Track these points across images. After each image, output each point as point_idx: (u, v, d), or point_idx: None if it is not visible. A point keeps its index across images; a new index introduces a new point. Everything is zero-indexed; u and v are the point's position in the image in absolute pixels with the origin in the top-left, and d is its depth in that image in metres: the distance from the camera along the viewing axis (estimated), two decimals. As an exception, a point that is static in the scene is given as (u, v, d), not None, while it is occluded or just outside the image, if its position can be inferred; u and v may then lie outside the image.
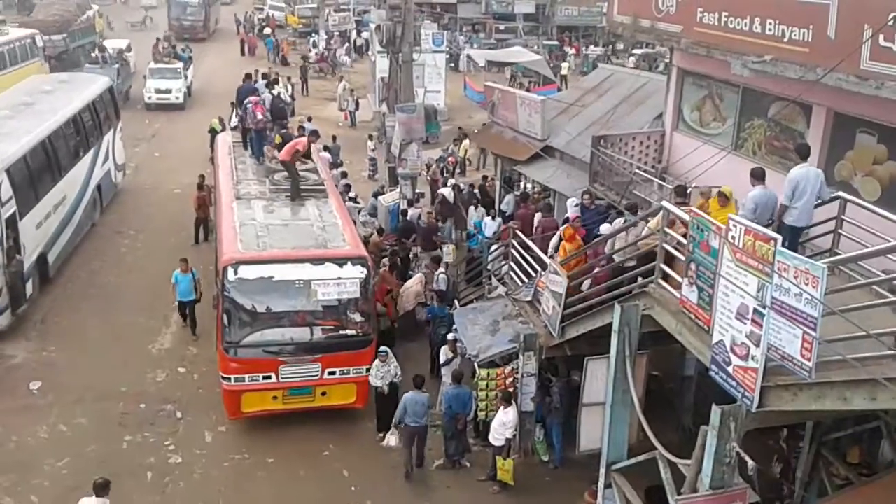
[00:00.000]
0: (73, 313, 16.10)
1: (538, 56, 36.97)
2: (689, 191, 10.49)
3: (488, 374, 11.96)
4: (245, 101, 17.26)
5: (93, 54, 34.61)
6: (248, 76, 20.86)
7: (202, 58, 42.66)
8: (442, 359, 12.85)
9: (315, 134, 16.45)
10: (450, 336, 12.86)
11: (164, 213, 21.52)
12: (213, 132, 25.13)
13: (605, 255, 10.96)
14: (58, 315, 15.97)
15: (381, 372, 12.30)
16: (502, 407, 11.26)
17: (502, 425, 11.25)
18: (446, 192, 20.11)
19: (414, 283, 15.63)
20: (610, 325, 9.50)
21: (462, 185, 21.26)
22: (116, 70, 31.55)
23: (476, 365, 12.09)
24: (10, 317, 14.94)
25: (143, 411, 12.88)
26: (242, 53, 45.64)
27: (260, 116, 16.55)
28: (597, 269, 11.02)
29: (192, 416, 12.87)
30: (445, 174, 23.01)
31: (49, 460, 11.59)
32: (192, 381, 13.89)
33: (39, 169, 16.70)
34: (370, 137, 25.58)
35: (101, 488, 9.25)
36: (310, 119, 28.08)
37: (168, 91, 32.67)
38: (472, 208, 19.17)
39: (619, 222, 11.97)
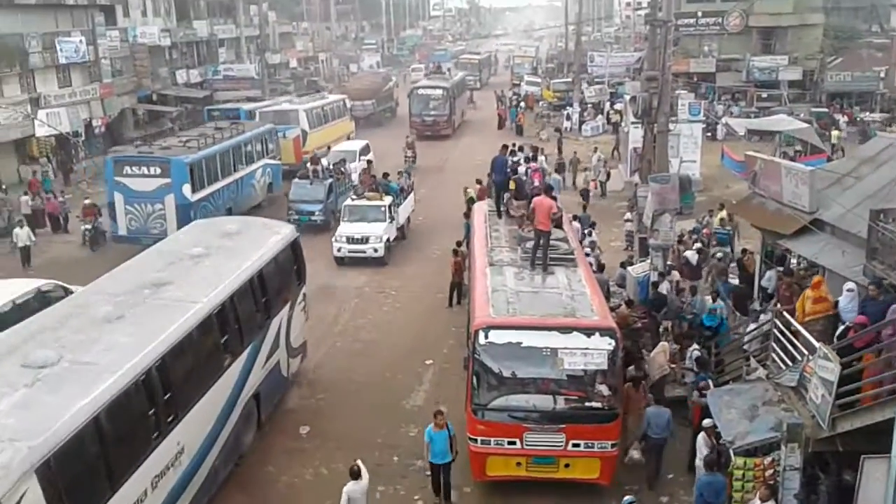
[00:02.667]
0: (339, 364, 17.50)
1: (805, 124, 34.76)
2: None
3: (745, 464, 11.13)
4: (520, 168, 18.27)
5: (307, 165, 28.80)
6: (504, 147, 21.70)
7: (451, 150, 41.40)
8: (704, 450, 12.02)
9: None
10: (706, 422, 12.13)
11: (423, 275, 22.85)
12: (471, 201, 26.70)
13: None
14: (326, 366, 17.43)
15: None
16: (760, 501, 10.40)
17: (760, 521, 10.38)
18: (690, 255, 19.39)
19: (657, 353, 15.10)
20: (891, 420, 8.49)
21: (720, 254, 20.46)
22: (328, 186, 27.50)
23: (731, 452, 11.32)
24: None
25: (395, 464, 13.55)
26: (500, 127, 48.03)
27: (536, 183, 17.30)
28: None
29: (440, 474, 13.28)
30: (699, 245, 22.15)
31: (311, 502, 12.49)
32: (440, 439, 14.37)
33: (134, 423, 9.89)
34: (630, 208, 25.29)
35: (357, 474, 11.09)
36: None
37: (363, 240, 23.73)
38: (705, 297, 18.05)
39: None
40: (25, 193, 28.58)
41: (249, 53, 60.48)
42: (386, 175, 26.79)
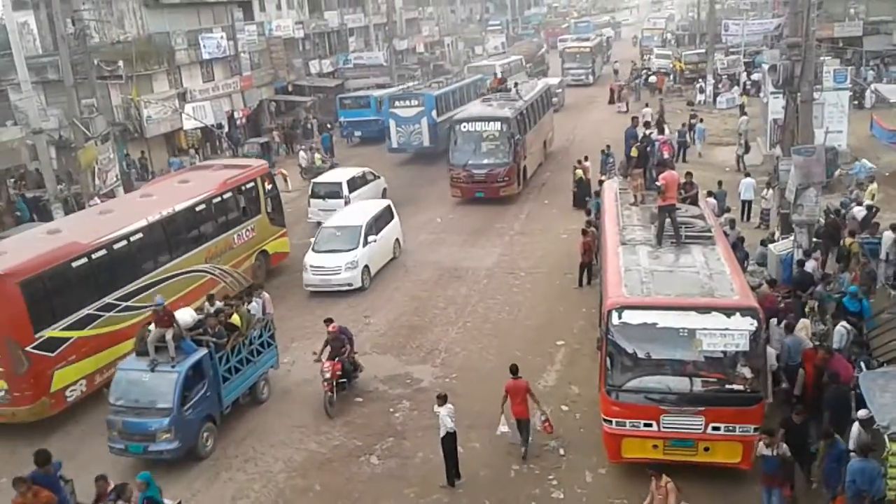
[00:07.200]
0: (471, 345, 17.74)
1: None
2: None
3: (902, 451, 10.46)
4: (650, 140, 18.15)
5: (148, 328, 14.33)
6: (634, 119, 21.75)
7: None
8: (854, 437, 11.39)
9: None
10: (861, 413, 11.42)
11: (552, 256, 22.73)
12: (580, 182, 27.11)
13: None
14: (458, 346, 17.71)
15: None
16: (920, 490, 9.76)
17: (919, 511, 9.74)
18: (857, 211, 18.35)
19: (799, 330, 14.40)
20: None
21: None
22: (188, 372, 13.59)
23: (886, 437, 10.66)
24: None
25: (529, 444, 13.61)
26: (611, 102, 47.14)
27: (666, 155, 17.03)
28: None
29: (574, 455, 13.30)
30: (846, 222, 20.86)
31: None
32: (574, 420, 14.37)
33: None
34: (768, 185, 24.11)
35: (444, 399, 12.64)
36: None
37: None
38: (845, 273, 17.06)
39: None
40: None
41: (378, 41, 61.68)
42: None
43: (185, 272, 18.86)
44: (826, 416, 12.09)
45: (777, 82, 20.32)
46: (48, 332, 15.14)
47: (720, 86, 45.23)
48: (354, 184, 27.52)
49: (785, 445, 11.01)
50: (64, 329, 15.47)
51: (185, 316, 14.63)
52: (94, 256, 16.41)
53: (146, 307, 16.44)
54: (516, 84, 34.86)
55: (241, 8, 44.50)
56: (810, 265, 17.12)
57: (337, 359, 15.30)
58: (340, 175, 28.25)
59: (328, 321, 15.84)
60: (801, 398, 12.97)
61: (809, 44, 18.73)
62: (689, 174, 19.10)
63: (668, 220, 14.61)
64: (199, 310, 15.70)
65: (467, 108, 33.03)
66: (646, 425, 12.03)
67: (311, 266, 21.26)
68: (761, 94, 36.05)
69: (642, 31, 78.10)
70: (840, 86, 29.37)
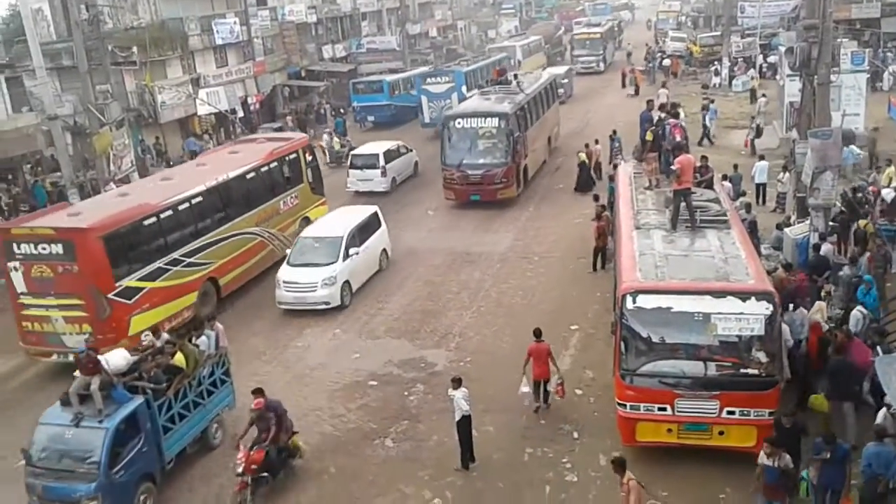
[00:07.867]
0: (485, 329, 17.77)
1: None
2: None
3: (918, 435, 10.42)
4: (662, 123, 18.02)
5: (74, 374, 12.27)
6: (649, 102, 21.50)
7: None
8: (879, 419, 11.34)
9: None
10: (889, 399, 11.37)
11: (565, 241, 22.70)
12: (583, 165, 27.46)
13: None
14: (472, 330, 17.76)
15: None
16: (936, 474, 9.72)
17: (935, 495, 9.70)
18: (886, 193, 18.23)
19: (814, 312, 14.35)
20: None
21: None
22: (121, 425, 11.66)
23: (903, 422, 10.64)
24: None
25: (543, 427, 13.68)
26: (623, 85, 47.24)
27: (679, 139, 16.92)
28: None
29: (588, 438, 13.31)
30: (866, 206, 20.68)
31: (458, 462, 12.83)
32: (588, 403, 14.38)
33: None
34: (784, 168, 23.91)
35: (459, 382, 12.70)
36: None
37: None
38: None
39: None
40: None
41: (391, 25, 61.52)
42: None
43: (239, 234, 20.78)
44: (825, 385, 12.24)
45: (794, 65, 20.08)
46: (126, 282, 17.00)
47: (736, 69, 44.88)
48: (390, 155, 30.06)
49: (788, 457, 10.72)
50: (139, 280, 17.38)
51: (117, 359, 12.28)
52: (162, 216, 18.32)
53: (207, 264, 19.37)
54: (516, 76, 32.00)
55: (254, -8, 44.49)
56: (826, 249, 17.02)
57: (256, 448, 12.04)
58: (377, 147, 30.51)
59: (256, 392, 12.41)
60: (800, 400, 13.00)
61: (827, 25, 18.47)
62: (704, 158, 19.00)
63: (683, 204, 14.56)
64: (134, 350, 13.16)
65: (463, 103, 30.53)
66: (660, 409, 12.04)
67: (285, 282, 19.13)
68: (777, 77, 35.69)
69: (657, 14, 77.43)
70: (857, 68, 29.07)
